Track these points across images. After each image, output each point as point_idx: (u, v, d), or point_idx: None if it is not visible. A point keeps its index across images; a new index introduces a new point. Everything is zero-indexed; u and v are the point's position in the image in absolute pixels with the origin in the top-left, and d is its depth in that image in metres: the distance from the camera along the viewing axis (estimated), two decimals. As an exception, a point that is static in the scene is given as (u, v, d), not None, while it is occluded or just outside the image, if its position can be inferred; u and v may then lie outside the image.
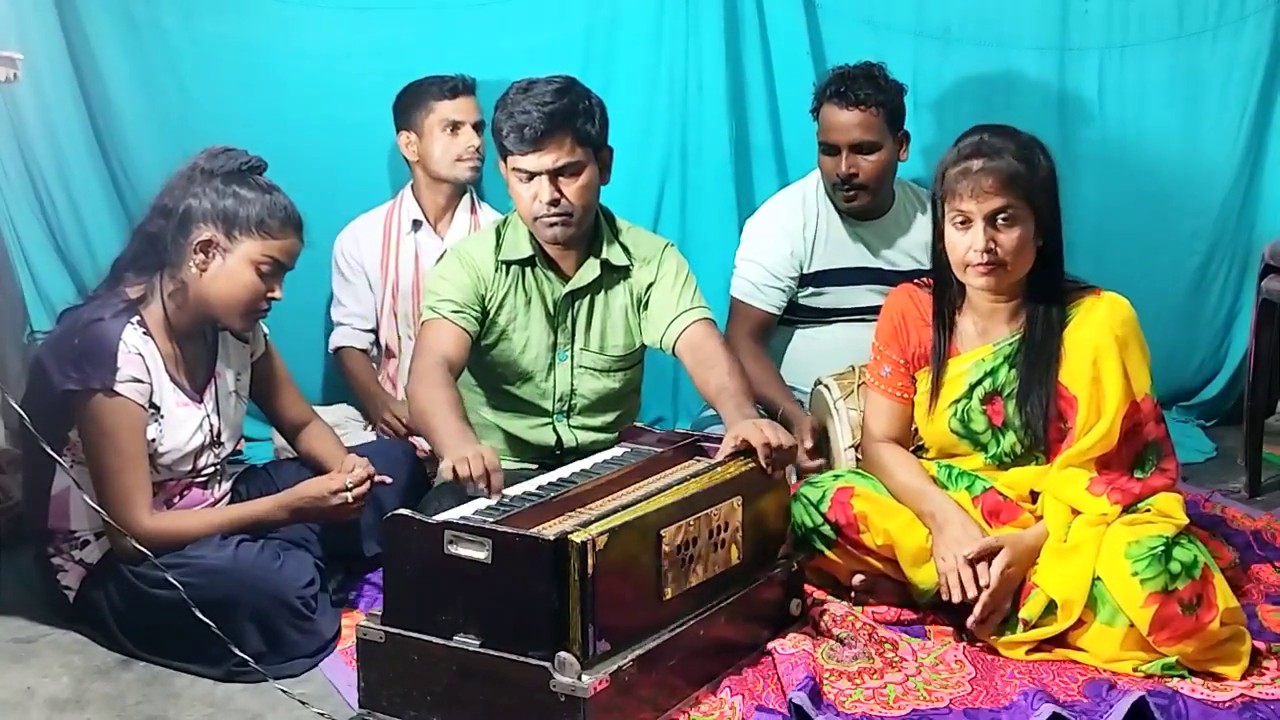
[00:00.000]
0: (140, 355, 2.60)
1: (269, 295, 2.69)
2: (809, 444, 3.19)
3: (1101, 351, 2.64)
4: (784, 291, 3.56)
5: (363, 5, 3.91)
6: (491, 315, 3.03)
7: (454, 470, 2.49)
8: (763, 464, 2.56)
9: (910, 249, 3.57)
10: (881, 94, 3.42)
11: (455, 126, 3.67)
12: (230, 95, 3.84)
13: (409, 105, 3.70)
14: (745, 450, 2.59)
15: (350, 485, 2.69)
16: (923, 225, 3.53)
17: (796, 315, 3.62)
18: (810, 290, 3.58)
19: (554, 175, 2.89)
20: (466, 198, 3.78)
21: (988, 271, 2.64)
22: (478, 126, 3.68)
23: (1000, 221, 2.61)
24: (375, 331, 3.76)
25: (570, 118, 2.87)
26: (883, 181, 3.51)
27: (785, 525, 2.67)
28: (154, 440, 2.64)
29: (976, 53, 4.11)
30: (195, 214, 2.63)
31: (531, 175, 2.89)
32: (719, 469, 2.55)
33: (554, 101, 2.85)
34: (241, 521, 2.67)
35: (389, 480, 2.77)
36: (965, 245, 2.64)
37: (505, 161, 2.93)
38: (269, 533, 2.78)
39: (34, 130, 3.61)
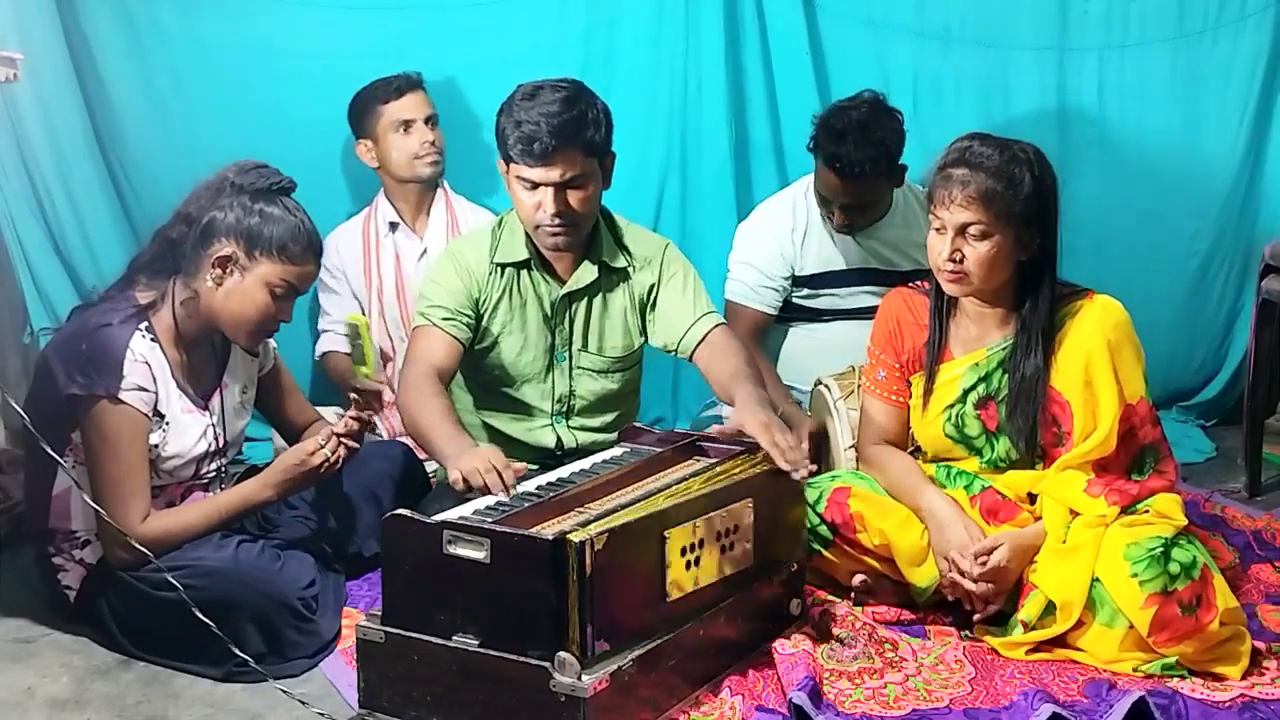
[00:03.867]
0: (147, 363, 2.60)
1: (279, 318, 2.69)
2: (804, 446, 3.18)
3: (1093, 356, 2.64)
4: (777, 292, 3.56)
5: (362, 5, 3.91)
6: (486, 318, 3.03)
7: (464, 481, 2.49)
8: (782, 465, 2.52)
9: (909, 248, 3.56)
10: (881, 157, 3.34)
11: (406, 125, 3.65)
12: (230, 95, 3.84)
13: (360, 113, 3.69)
14: (743, 440, 2.60)
15: (323, 443, 2.66)
16: (923, 225, 3.54)
17: (793, 315, 3.63)
18: (806, 292, 3.59)
19: (560, 187, 2.88)
20: (439, 193, 3.77)
21: (953, 279, 2.65)
22: (430, 121, 3.67)
23: (969, 234, 2.61)
24: None
25: (579, 130, 2.84)
26: (879, 210, 3.53)
27: (799, 528, 2.65)
28: (157, 446, 2.64)
29: (976, 53, 4.11)
30: (218, 227, 2.63)
31: (536, 185, 2.88)
32: (727, 470, 2.54)
33: (563, 113, 2.82)
34: (232, 507, 2.67)
35: (356, 426, 2.72)
36: (936, 250, 2.65)
37: (507, 165, 2.92)
38: (265, 521, 2.81)
39: (34, 130, 3.60)
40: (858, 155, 3.32)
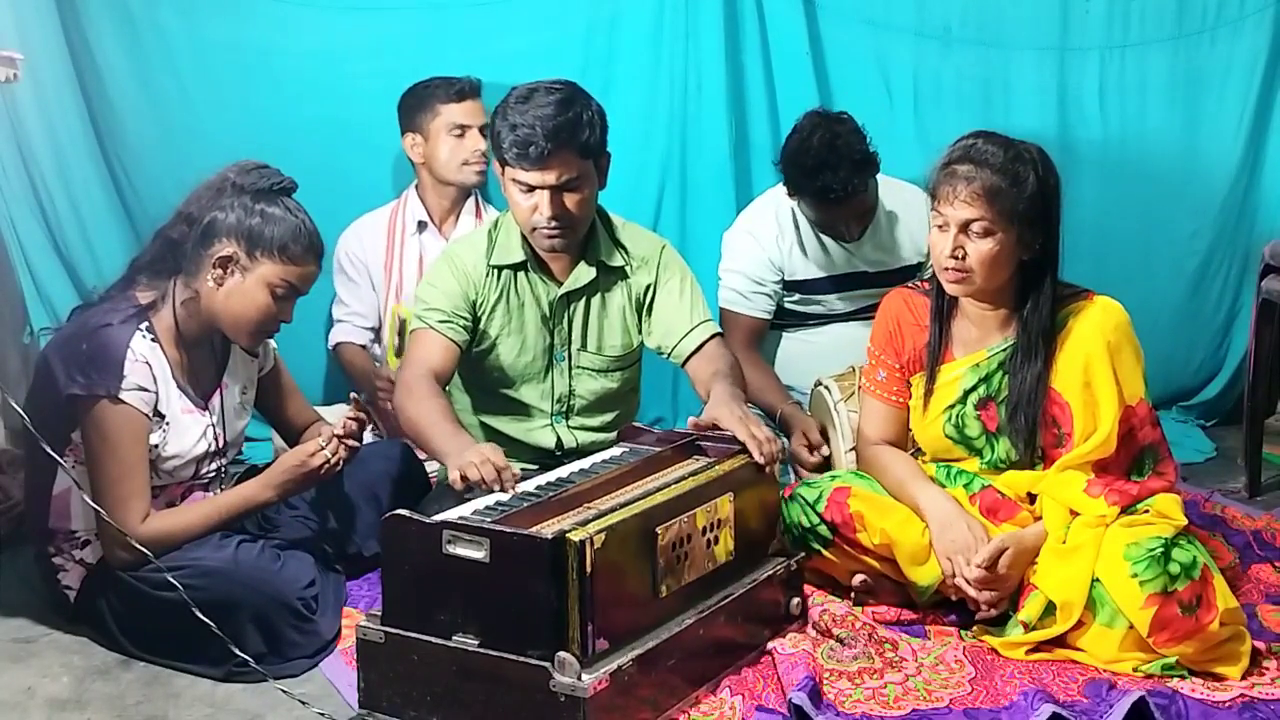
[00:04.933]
0: (147, 363, 2.60)
1: (279, 318, 2.69)
2: (816, 438, 3.21)
3: (1092, 357, 2.63)
4: (770, 296, 3.56)
5: (363, 5, 3.91)
6: (484, 319, 3.03)
7: (463, 477, 2.49)
8: (757, 458, 2.56)
9: (896, 246, 3.56)
10: (862, 164, 3.34)
11: (462, 130, 3.66)
12: (230, 95, 3.85)
13: (414, 107, 3.68)
14: (714, 431, 2.65)
15: (324, 444, 2.66)
16: (908, 221, 3.53)
17: (787, 320, 3.63)
18: (798, 297, 3.59)
19: (555, 190, 2.87)
20: (471, 200, 3.78)
21: (955, 279, 2.64)
22: (484, 130, 3.68)
23: (972, 230, 2.60)
24: (376, 330, 3.77)
25: (574, 133, 2.84)
26: (875, 203, 3.54)
27: (774, 521, 2.67)
28: (157, 446, 2.64)
29: (976, 53, 4.11)
30: (219, 227, 2.63)
31: (532, 188, 2.88)
32: (712, 467, 2.56)
33: (557, 116, 2.81)
34: (233, 508, 2.67)
35: (355, 426, 2.71)
36: (939, 248, 2.64)
37: (503, 168, 2.92)
38: (265, 521, 2.82)
39: (34, 130, 3.61)
40: (843, 176, 3.31)
